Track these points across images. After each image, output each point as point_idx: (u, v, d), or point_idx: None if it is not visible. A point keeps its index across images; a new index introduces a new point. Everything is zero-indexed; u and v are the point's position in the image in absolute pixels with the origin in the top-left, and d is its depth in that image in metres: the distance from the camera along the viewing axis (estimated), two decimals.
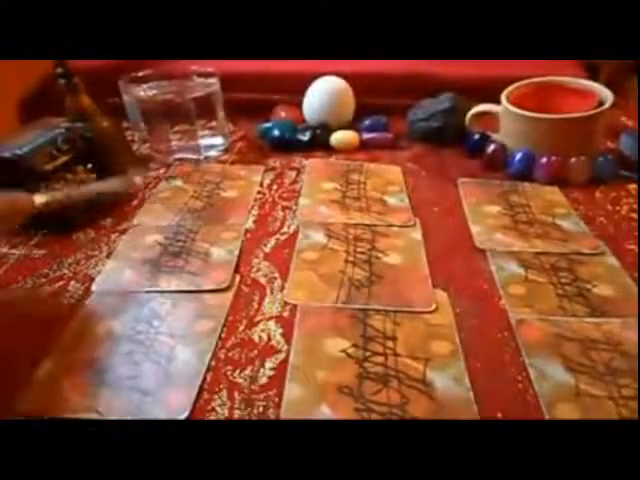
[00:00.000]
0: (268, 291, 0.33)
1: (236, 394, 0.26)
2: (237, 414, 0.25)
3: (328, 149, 0.52)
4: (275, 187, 0.46)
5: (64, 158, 0.40)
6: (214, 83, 0.49)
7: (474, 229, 0.40)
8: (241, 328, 0.30)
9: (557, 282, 0.34)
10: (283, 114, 0.56)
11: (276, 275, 0.35)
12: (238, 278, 0.34)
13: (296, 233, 0.39)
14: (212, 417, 0.25)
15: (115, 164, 0.45)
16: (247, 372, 0.28)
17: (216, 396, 0.26)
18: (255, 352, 0.29)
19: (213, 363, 0.28)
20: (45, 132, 0.40)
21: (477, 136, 0.50)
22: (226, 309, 0.32)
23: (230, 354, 0.29)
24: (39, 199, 0.36)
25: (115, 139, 0.47)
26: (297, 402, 0.26)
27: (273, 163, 0.50)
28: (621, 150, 0.50)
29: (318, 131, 0.52)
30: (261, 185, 0.46)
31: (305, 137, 0.52)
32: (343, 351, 0.29)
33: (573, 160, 0.45)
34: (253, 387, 0.27)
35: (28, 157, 0.38)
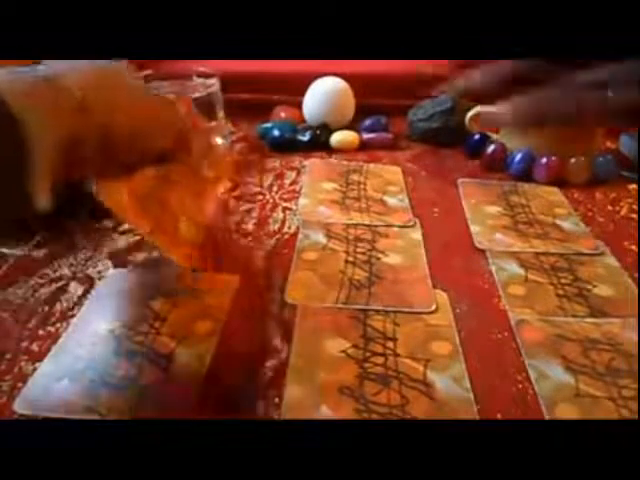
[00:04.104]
0: (268, 291, 0.33)
1: (236, 395, 0.26)
2: (237, 414, 0.25)
3: (328, 149, 0.52)
4: (275, 187, 0.46)
5: None
6: (214, 83, 0.49)
7: (474, 229, 0.40)
8: (241, 328, 0.30)
9: (557, 282, 0.34)
10: (283, 114, 0.56)
11: (276, 275, 0.35)
12: (238, 278, 0.34)
13: (296, 233, 0.39)
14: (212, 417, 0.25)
15: None
16: (247, 373, 0.28)
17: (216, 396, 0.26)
18: (255, 352, 0.29)
19: (213, 364, 0.28)
20: None
21: (477, 136, 0.50)
22: (226, 309, 0.32)
23: (230, 355, 0.29)
24: None
25: None
26: (297, 403, 0.26)
27: (273, 163, 0.50)
28: (621, 150, 0.50)
29: (318, 131, 0.52)
30: (261, 185, 0.46)
31: (305, 137, 0.52)
32: (343, 351, 0.29)
33: (573, 160, 0.45)
34: (253, 388, 0.27)
35: None
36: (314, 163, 0.50)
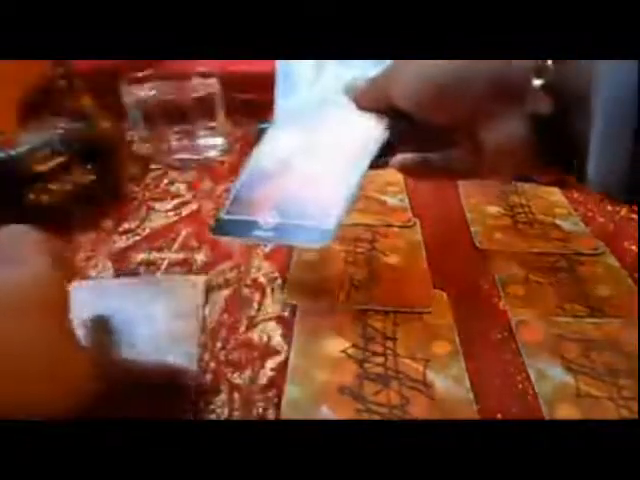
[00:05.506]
0: (268, 291, 0.33)
1: (236, 395, 0.26)
2: (237, 414, 0.25)
3: None
4: None
5: (59, 159, 0.40)
6: (214, 83, 0.49)
7: (474, 229, 0.40)
8: (241, 329, 0.30)
9: (557, 282, 0.34)
10: None
11: (276, 275, 0.35)
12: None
13: None
14: (212, 417, 0.25)
15: (115, 164, 0.45)
16: (247, 373, 0.28)
17: (216, 397, 0.26)
18: (255, 353, 0.29)
19: (213, 364, 0.28)
20: (41, 133, 0.40)
21: None
22: (226, 310, 0.32)
23: (230, 355, 0.29)
24: None
25: (115, 139, 0.47)
26: (297, 403, 0.26)
27: None
28: None
29: None
30: None
31: None
32: (343, 351, 0.29)
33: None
34: (253, 388, 0.27)
35: (22, 158, 0.38)
36: None
